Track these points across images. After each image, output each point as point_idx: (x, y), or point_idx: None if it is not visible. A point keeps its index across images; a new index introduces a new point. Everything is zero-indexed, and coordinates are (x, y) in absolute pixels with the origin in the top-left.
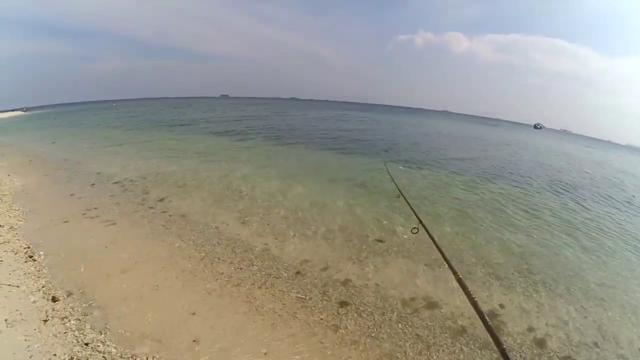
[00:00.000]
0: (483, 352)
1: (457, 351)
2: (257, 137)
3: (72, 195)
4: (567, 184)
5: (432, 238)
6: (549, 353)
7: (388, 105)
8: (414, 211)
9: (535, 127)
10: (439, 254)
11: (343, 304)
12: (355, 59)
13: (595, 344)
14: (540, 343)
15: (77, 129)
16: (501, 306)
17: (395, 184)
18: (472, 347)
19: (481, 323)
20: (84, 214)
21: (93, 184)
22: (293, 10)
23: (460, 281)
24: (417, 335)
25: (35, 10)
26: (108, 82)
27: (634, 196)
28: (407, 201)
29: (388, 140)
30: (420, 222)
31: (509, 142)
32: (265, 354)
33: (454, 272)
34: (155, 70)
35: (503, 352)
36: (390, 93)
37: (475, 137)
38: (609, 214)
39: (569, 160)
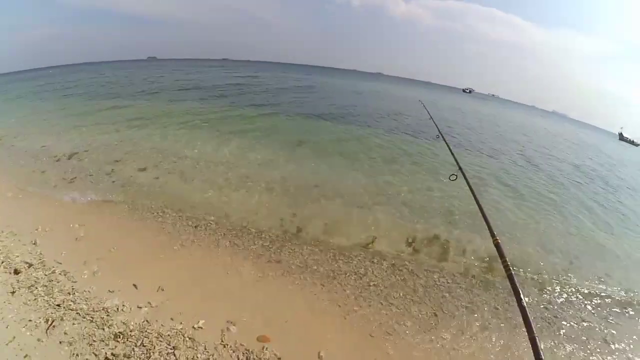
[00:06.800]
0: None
1: None
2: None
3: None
4: None
5: (471, 189)
6: None
7: (319, 66)
8: (454, 157)
9: (464, 91)
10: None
11: None
12: (297, 18)
13: None
14: None
15: None
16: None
17: (437, 126)
18: None
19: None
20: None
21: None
22: None
23: (497, 246)
24: None
25: None
26: (42, 49)
27: None
28: (447, 144)
29: None
30: (460, 169)
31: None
32: None
33: (493, 236)
34: (77, 35)
35: (533, 341)
36: (328, 55)
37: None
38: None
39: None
